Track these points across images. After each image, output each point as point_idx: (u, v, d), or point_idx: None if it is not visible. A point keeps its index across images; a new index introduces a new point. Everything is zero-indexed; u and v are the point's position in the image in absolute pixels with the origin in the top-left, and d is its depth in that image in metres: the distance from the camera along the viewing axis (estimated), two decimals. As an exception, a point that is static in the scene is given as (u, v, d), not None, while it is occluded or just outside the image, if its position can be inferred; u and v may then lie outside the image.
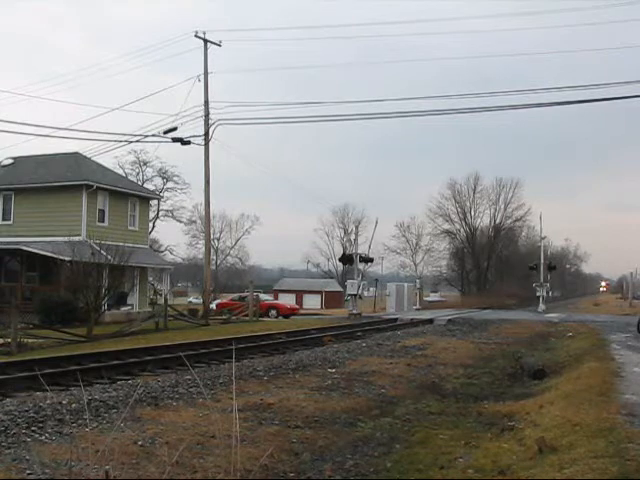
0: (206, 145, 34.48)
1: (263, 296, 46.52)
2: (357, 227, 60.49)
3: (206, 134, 34.34)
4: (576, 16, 54.70)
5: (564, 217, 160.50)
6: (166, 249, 69.42)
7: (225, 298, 48.92)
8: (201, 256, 59.45)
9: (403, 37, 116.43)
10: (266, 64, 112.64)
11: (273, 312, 40.21)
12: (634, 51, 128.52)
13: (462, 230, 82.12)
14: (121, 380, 11.78)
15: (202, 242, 56.11)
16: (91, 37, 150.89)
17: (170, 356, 15.09)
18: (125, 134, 48.95)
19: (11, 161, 36.73)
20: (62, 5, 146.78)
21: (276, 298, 62.39)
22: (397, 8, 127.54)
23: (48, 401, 8.82)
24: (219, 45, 35.11)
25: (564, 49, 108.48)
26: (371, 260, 41.26)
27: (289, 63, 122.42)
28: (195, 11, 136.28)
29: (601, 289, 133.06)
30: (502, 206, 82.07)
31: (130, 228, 36.05)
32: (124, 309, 33.14)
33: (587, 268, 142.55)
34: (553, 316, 35.65)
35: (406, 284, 48.39)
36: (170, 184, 64.06)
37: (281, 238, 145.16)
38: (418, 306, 47.02)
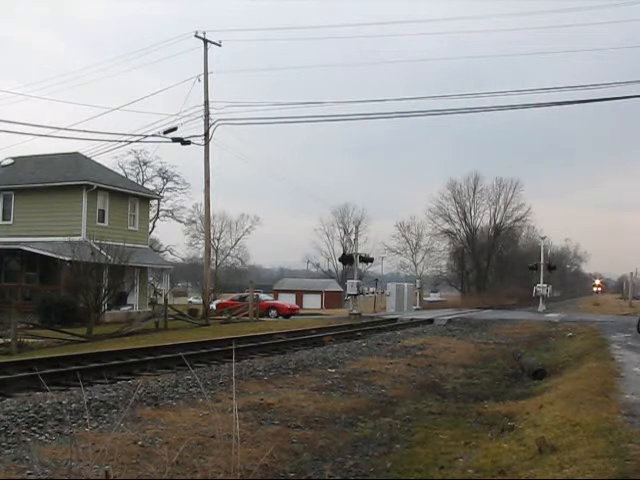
0: (206, 145, 34.51)
1: (263, 296, 46.54)
2: (357, 227, 60.73)
3: (206, 134, 34.36)
4: (576, 16, 54.87)
5: (564, 217, 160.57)
6: (166, 249, 69.48)
7: (225, 298, 48.89)
8: (201, 256, 59.39)
9: (402, 37, 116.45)
10: (265, 64, 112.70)
11: (273, 312, 40.23)
12: (634, 51, 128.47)
13: (462, 230, 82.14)
14: (121, 380, 11.77)
15: (202, 242, 56.07)
16: (91, 38, 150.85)
17: (170, 356, 15.09)
18: (125, 134, 49.00)
19: (11, 161, 36.74)
20: (61, 6, 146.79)
21: (276, 298, 62.39)
22: (395, 8, 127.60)
23: (48, 401, 8.82)
24: (219, 45, 35.14)
25: (563, 49, 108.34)
26: (371, 260, 41.24)
27: (289, 63, 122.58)
28: (194, 11, 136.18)
29: (595, 289, 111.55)
30: (502, 206, 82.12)
31: (130, 228, 36.05)
32: (124, 309, 33.15)
33: (587, 268, 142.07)
34: (553, 316, 35.59)
35: (406, 284, 48.32)
36: (170, 184, 64.15)
37: (281, 238, 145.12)
38: (418, 306, 46.98)
